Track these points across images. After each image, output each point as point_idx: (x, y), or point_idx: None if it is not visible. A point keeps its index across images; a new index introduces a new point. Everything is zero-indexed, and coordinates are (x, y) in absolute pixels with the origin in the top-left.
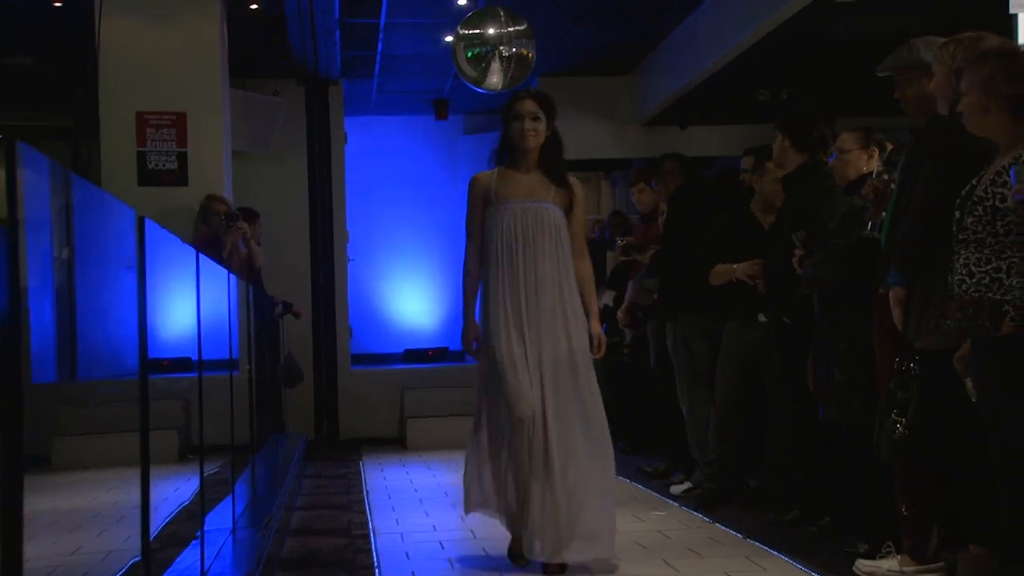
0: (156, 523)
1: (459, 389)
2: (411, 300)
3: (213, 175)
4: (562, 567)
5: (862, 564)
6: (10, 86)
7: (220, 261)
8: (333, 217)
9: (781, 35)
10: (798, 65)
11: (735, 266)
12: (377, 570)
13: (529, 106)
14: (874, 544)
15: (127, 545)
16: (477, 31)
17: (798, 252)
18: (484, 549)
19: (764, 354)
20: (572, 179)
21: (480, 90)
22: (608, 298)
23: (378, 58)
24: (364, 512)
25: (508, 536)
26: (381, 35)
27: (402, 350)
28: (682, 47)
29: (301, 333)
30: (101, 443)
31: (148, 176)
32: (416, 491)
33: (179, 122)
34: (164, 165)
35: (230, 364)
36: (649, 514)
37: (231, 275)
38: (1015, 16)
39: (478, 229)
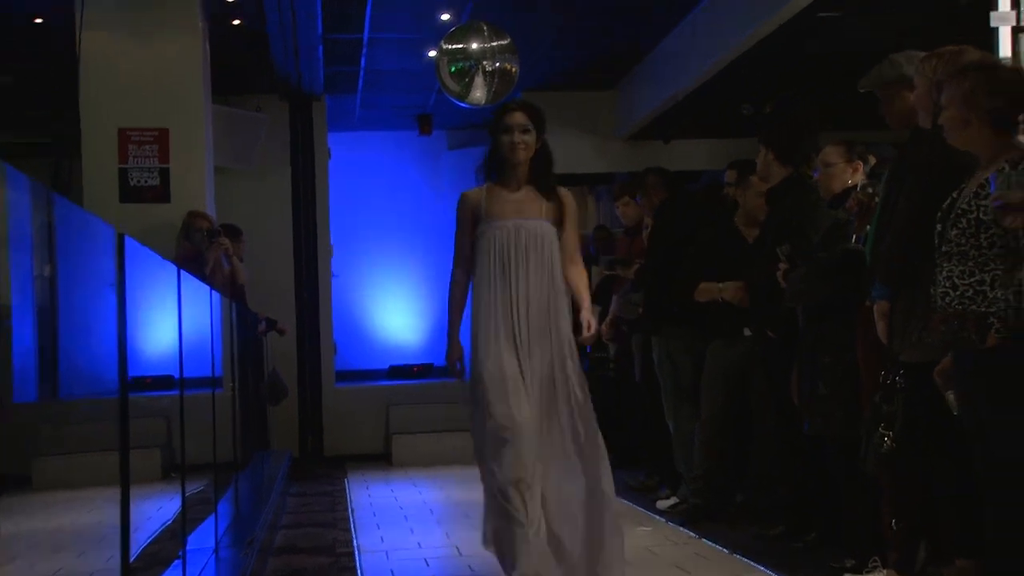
0: (138, 543)
1: (444, 405)
2: (396, 316)
3: (196, 191)
4: None
5: None
6: None
7: (202, 278)
8: (317, 233)
9: (764, 49)
10: (781, 79)
11: (720, 286)
12: None
13: (518, 118)
14: (860, 559)
15: (108, 565)
16: (460, 46)
17: (782, 266)
18: (470, 567)
19: (749, 369)
20: (562, 191)
21: (463, 105)
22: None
23: (361, 73)
24: (349, 530)
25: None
26: (364, 50)
27: (387, 366)
28: (665, 61)
29: (285, 350)
30: (83, 462)
31: (130, 193)
32: (401, 508)
33: (161, 138)
34: (146, 182)
35: (213, 382)
36: (635, 530)
37: (213, 292)
38: (996, 30)
39: (467, 248)
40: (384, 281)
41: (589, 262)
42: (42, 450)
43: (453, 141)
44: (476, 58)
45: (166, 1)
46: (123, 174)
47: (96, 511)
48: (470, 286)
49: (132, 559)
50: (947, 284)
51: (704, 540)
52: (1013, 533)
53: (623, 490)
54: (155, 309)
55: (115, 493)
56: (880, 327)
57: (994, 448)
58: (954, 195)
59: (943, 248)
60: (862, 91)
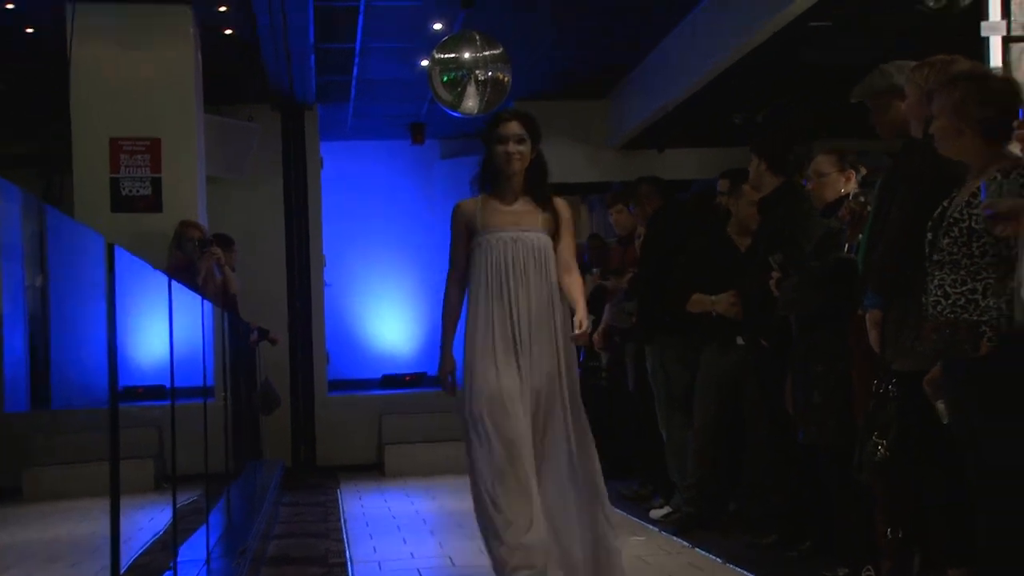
0: (130, 553)
1: (437, 415)
2: (388, 325)
3: (187, 201)
4: None
5: None
6: None
7: (194, 287)
8: (309, 242)
9: (756, 58)
10: (773, 88)
11: (712, 299)
12: None
13: (514, 128)
14: (854, 568)
15: None
16: (453, 55)
17: (775, 274)
18: None
19: (742, 378)
20: (559, 201)
21: (456, 114)
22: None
23: (354, 83)
24: (341, 540)
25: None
26: (356, 60)
27: (380, 376)
28: (658, 71)
29: (278, 359)
30: (74, 473)
31: (121, 202)
32: (394, 518)
33: (153, 148)
34: (138, 191)
35: (204, 392)
36: (628, 539)
37: (205, 302)
38: (986, 40)
39: (461, 259)
40: (377, 290)
41: (583, 270)
42: (34, 460)
43: (446, 150)
44: (468, 67)
45: (158, 11)
46: (115, 184)
47: (88, 522)
48: (465, 298)
49: (123, 570)
50: (939, 293)
51: (697, 549)
52: (1006, 541)
53: (616, 499)
54: (146, 319)
55: (107, 504)
56: (872, 336)
57: (986, 455)
58: (944, 204)
59: (935, 257)
60: (854, 102)
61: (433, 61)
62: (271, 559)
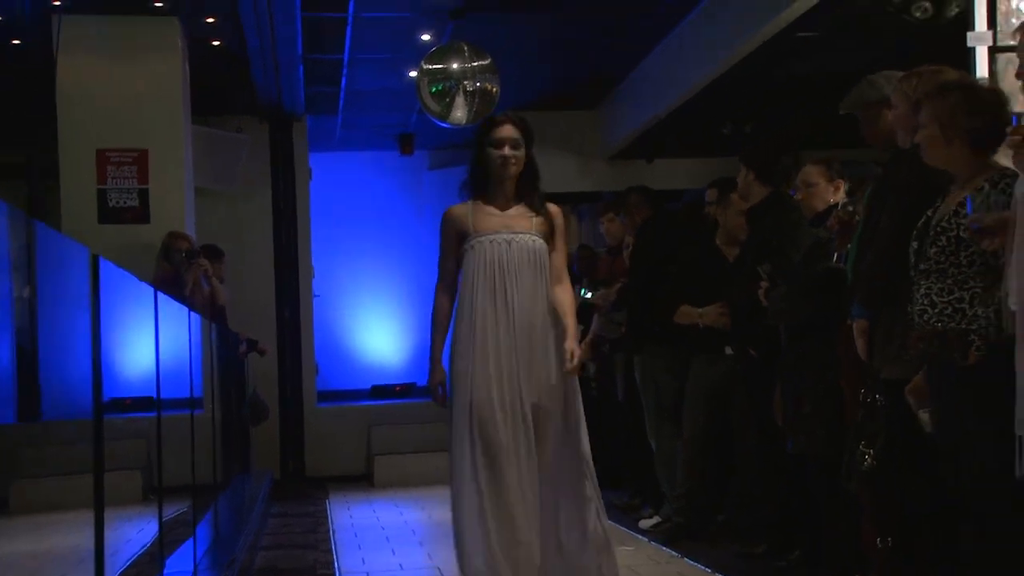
0: (116, 566)
1: (427, 425)
2: (378, 336)
3: (175, 212)
4: None
5: None
6: None
7: (182, 299)
8: (298, 253)
9: (744, 69)
10: (762, 99)
11: (700, 311)
12: None
13: (510, 131)
14: None
15: None
16: (441, 66)
17: (763, 284)
18: None
19: (731, 387)
20: (551, 206)
21: (444, 125)
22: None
23: (342, 93)
24: (330, 551)
25: None
26: (345, 70)
27: (369, 386)
28: (647, 81)
29: (267, 370)
30: (61, 485)
31: (109, 214)
32: (383, 529)
33: (140, 159)
34: (125, 202)
35: (191, 403)
36: (618, 549)
37: (192, 313)
38: (972, 50)
39: (451, 267)
40: (366, 301)
41: (572, 281)
42: (21, 472)
43: (435, 161)
44: (457, 78)
45: (145, 22)
46: (102, 195)
47: (74, 534)
48: (455, 307)
49: None
50: (925, 302)
51: (686, 559)
52: (996, 544)
53: (606, 509)
54: (133, 330)
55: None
56: (860, 345)
57: (981, 460)
58: (928, 213)
59: (921, 266)
60: (843, 113)
61: (421, 72)
62: (259, 571)
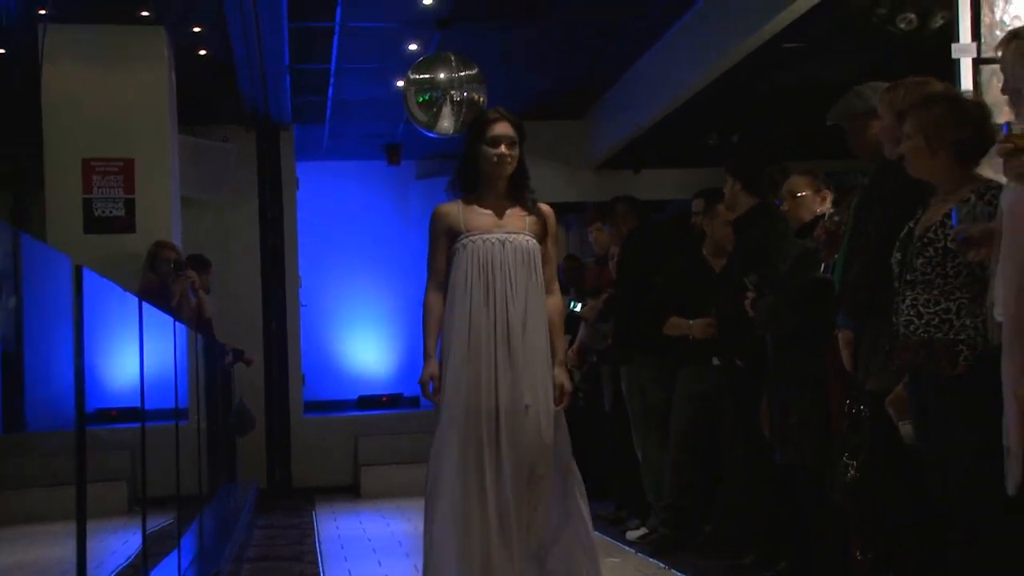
0: None
1: (414, 436)
2: (365, 346)
3: (161, 222)
4: None
5: None
6: None
7: (168, 309)
8: (285, 263)
9: (730, 80)
10: (748, 109)
11: (690, 323)
12: None
13: (506, 129)
14: None
15: None
16: (428, 76)
17: (750, 295)
18: None
19: (718, 398)
20: (544, 207)
21: (431, 135)
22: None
23: (329, 103)
24: (316, 563)
25: None
26: (332, 80)
27: (356, 396)
28: (633, 91)
29: (253, 380)
30: (45, 496)
31: (94, 223)
32: (370, 540)
33: (127, 169)
34: (111, 212)
35: (177, 413)
36: (604, 560)
37: (177, 323)
38: (956, 62)
39: (442, 265)
40: (353, 311)
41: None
42: (4, 484)
43: (421, 171)
44: (444, 88)
45: (132, 31)
46: (87, 204)
47: (57, 546)
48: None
49: None
50: (911, 312)
51: (673, 570)
52: (985, 554)
53: (592, 520)
54: (117, 341)
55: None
56: (845, 356)
57: (968, 468)
58: (910, 224)
59: (907, 277)
60: (830, 124)
61: (408, 82)
62: None
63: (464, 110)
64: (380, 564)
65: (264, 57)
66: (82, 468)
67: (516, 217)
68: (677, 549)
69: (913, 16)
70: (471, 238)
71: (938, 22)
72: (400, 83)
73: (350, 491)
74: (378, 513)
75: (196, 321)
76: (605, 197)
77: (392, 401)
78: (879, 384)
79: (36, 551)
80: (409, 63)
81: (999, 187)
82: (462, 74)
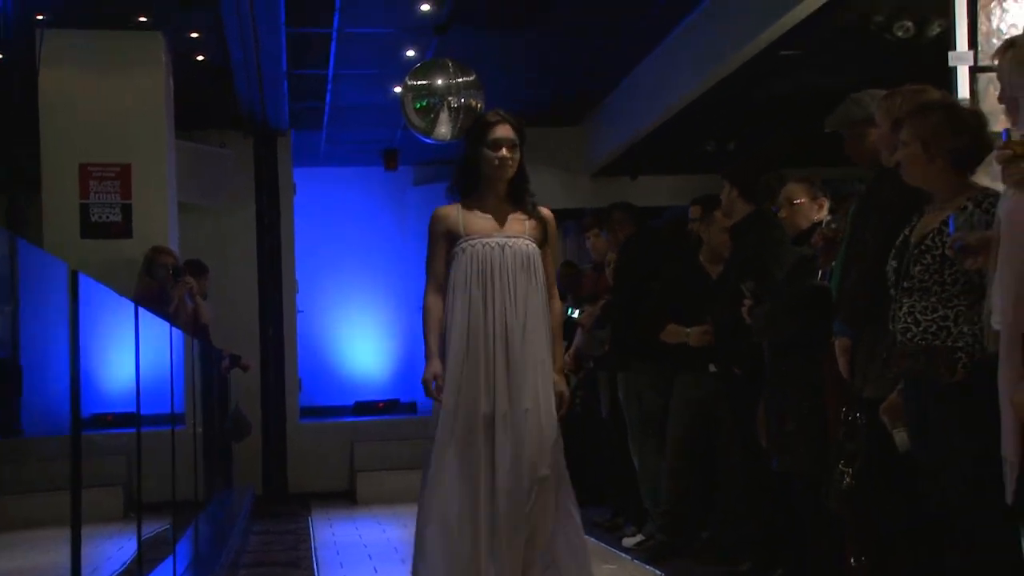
0: None
1: (410, 442)
2: (361, 351)
3: (158, 227)
4: None
5: None
6: None
7: (165, 315)
8: (282, 268)
9: (727, 87)
10: (745, 116)
11: (687, 331)
12: None
13: (508, 132)
14: None
15: None
16: (425, 82)
17: (747, 302)
18: None
19: (715, 404)
20: (544, 211)
21: (429, 140)
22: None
23: (327, 109)
24: (311, 569)
25: None
26: (329, 86)
27: (352, 402)
28: (631, 98)
29: (249, 386)
30: (42, 501)
31: (91, 228)
32: (365, 547)
33: (124, 174)
34: (108, 217)
35: (173, 419)
36: (601, 567)
37: (173, 328)
38: (953, 70)
39: (441, 268)
40: (349, 316)
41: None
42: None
43: (419, 177)
44: (441, 94)
45: (129, 36)
46: (84, 209)
47: (52, 551)
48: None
49: None
50: (909, 320)
51: None
52: (983, 561)
53: (588, 527)
54: (113, 346)
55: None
56: (841, 363)
57: (967, 474)
58: (906, 232)
59: (904, 284)
60: (828, 131)
61: (406, 88)
62: None
63: (462, 116)
64: (376, 570)
65: (262, 62)
66: (77, 473)
67: (516, 221)
68: (674, 556)
69: (910, 24)
70: (470, 242)
71: (935, 30)
72: (398, 89)
73: (346, 497)
74: (374, 519)
75: (192, 327)
76: (602, 203)
77: (388, 407)
78: (876, 392)
79: (31, 556)
80: (407, 69)
81: (996, 195)
82: (460, 80)
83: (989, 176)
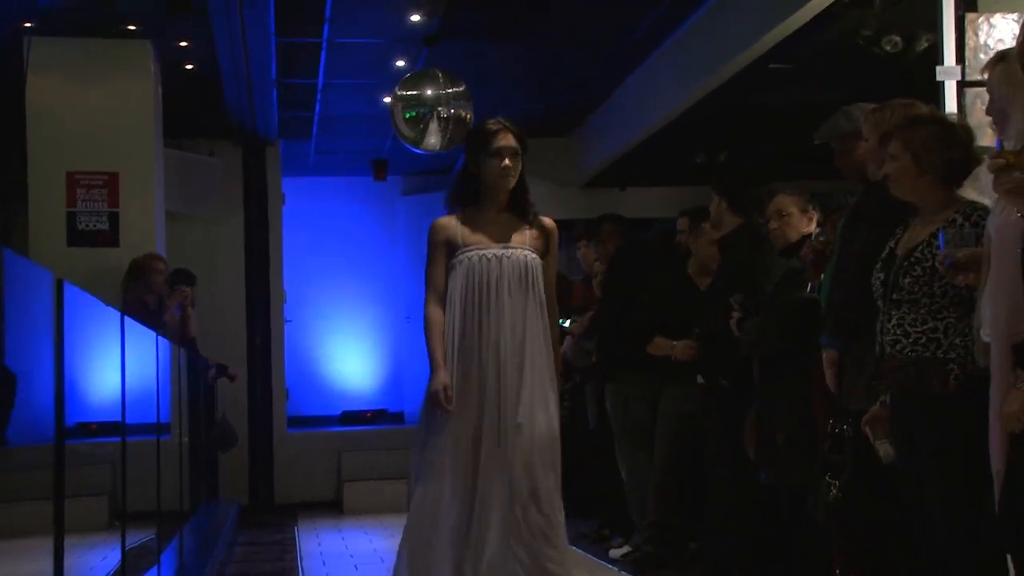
0: None
1: (398, 452)
2: (349, 362)
3: (146, 236)
4: None
5: None
6: None
7: (155, 324)
8: (270, 278)
9: (717, 100)
10: (734, 129)
11: (673, 344)
12: None
13: (510, 141)
14: None
15: None
16: (415, 92)
17: (735, 314)
18: None
19: (703, 416)
20: (546, 220)
21: (418, 151)
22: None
23: (316, 118)
24: None
25: None
26: (319, 95)
27: (339, 412)
28: (620, 110)
29: (236, 395)
30: (25, 511)
31: (78, 237)
32: (352, 557)
33: (111, 182)
34: (95, 226)
35: (158, 428)
36: None
37: (159, 338)
38: (941, 84)
39: (441, 278)
40: (337, 326)
41: None
42: None
43: (408, 187)
44: (431, 104)
45: (117, 44)
46: (71, 217)
47: (35, 562)
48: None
49: None
50: (898, 332)
51: None
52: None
53: (575, 538)
54: (99, 355)
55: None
56: (829, 376)
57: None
58: (891, 244)
59: (892, 296)
60: (817, 143)
61: (395, 98)
62: None
63: (451, 126)
64: None
65: (251, 72)
66: (60, 482)
67: (517, 231)
68: (661, 567)
69: (898, 39)
70: (467, 253)
71: (923, 45)
72: (387, 99)
73: (333, 507)
74: (361, 529)
75: (179, 337)
76: (592, 215)
77: (376, 417)
78: (862, 404)
79: (11, 567)
80: (396, 79)
81: (984, 208)
82: (449, 91)
83: (976, 190)
